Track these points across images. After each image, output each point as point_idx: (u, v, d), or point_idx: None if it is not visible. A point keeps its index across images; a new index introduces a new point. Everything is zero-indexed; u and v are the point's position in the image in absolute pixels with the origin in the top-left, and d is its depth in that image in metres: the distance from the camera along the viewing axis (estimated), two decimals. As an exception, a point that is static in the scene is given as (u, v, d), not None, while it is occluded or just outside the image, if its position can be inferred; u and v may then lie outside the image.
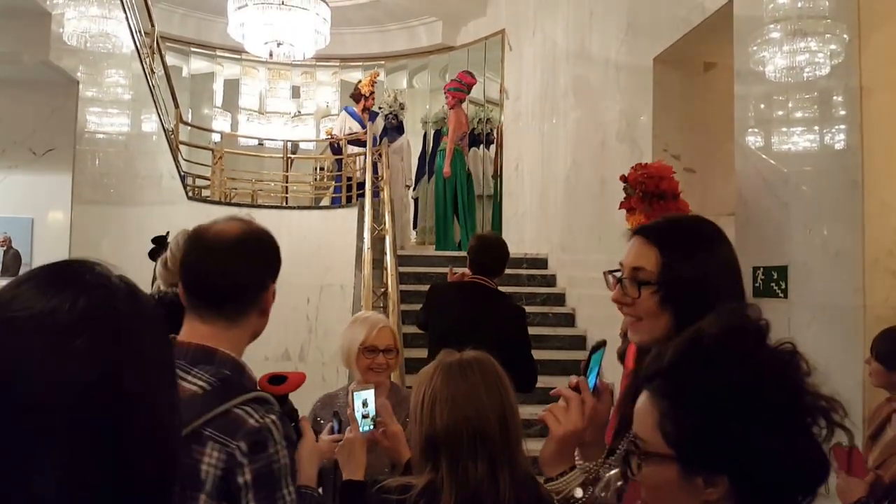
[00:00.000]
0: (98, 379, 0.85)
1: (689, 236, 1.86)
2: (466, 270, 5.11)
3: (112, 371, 0.87)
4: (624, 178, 5.23)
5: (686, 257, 1.79)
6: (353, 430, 2.60)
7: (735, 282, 1.85)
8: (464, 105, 11.72)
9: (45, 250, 5.99)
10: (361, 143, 11.25)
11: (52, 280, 0.91)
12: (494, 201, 11.88)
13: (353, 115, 11.91)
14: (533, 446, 2.12)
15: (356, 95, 12.06)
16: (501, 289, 8.23)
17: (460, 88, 11.36)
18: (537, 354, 7.22)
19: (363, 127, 11.64)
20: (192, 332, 1.89)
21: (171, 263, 2.31)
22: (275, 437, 1.77)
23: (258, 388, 1.98)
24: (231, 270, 1.92)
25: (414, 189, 12.26)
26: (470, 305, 4.85)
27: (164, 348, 1.00)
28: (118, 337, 0.89)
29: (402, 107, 12.16)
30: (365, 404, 2.66)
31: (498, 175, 11.97)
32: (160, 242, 2.74)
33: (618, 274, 1.86)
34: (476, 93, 12.75)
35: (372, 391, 2.72)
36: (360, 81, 12.47)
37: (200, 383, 1.77)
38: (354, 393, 2.71)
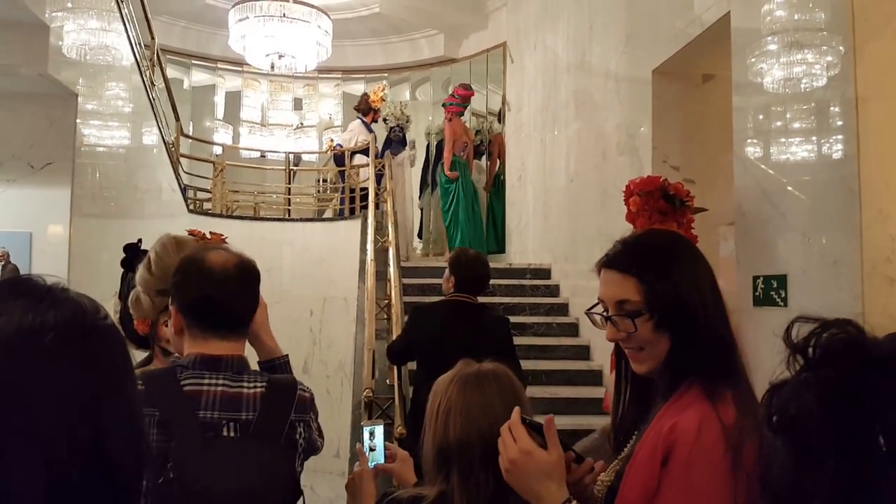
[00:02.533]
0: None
1: (657, 254, 1.86)
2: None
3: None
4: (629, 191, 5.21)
5: (663, 277, 1.79)
6: (361, 463, 2.60)
7: (712, 282, 1.84)
8: (463, 118, 11.69)
9: (44, 264, 5.96)
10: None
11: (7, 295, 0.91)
12: (487, 215, 11.86)
13: (367, 126, 11.93)
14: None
15: (365, 108, 12.04)
16: (505, 300, 8.39)
17: (454, 102, 11.34)
18: (541, 365, 7.31)
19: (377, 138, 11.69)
20: (217, 347, 2.18)
21: (157, 269, 2.54)
22: (311, 392, 2.34)
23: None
24: (245, 301, 2.26)
25: (419, 199, 12.28)
26: (456, 321, 5.12)
27: (126, 367, 1.00)
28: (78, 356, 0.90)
29: (407, 120, 12.21)
30: (372, 436, 2.66)
31: (490, 188, 11.96)
32: (134, 251, 2.80)
33: (599, 310, 1.88)
34: (480, 105, 12.77)
35: (381, 425, 2.72)
36: (366, 94, 12.43)
37: (261, 384, 2.18)
38: (363, 426, 2.70)
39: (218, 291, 2.16)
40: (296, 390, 2.23)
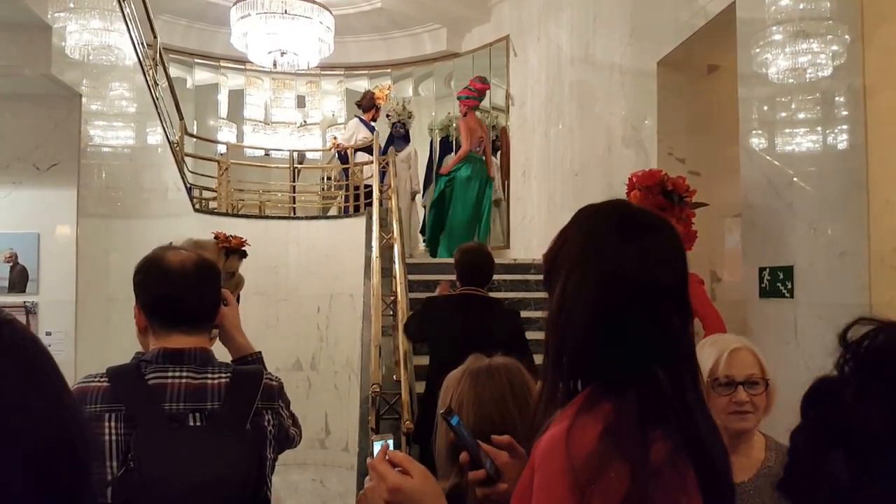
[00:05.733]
0: None
1: (583, 219, 1.57)
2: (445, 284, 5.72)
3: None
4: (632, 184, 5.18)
5: (559, 239, 1.56)
6: (372, 478, 2.58)
7: (633, 276, 1.43)
8: (477, 112, 11.47)
9: (52, 265, 5.97)
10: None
11: None
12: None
13: (365, 123, 11.90)
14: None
15: (367, 105, 12.03)
16: (511, 295, 8.36)
17: (471, 95, 11.16)
18: (546, 359, 7.28)
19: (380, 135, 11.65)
20: (180, 341, 2.22)
21: None
22: (279, 381, 2.37)
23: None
24: (204, 296, 2.30)
25: (422, 196, 12.23)
26: (468, 314, 5.19)
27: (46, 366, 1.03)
28: None
29: (409, 115, 12.17)
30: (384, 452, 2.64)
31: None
32: None
33: None
34: (484, 100, 12.72)
35: (391, 439, 2.69)
36: (370, 91, 12.41)
37: (225, 374, 2.21)
38: (374, 441, 2.68)
39: (176, 289, 2.23)
40: (262, 378, 2.27)
